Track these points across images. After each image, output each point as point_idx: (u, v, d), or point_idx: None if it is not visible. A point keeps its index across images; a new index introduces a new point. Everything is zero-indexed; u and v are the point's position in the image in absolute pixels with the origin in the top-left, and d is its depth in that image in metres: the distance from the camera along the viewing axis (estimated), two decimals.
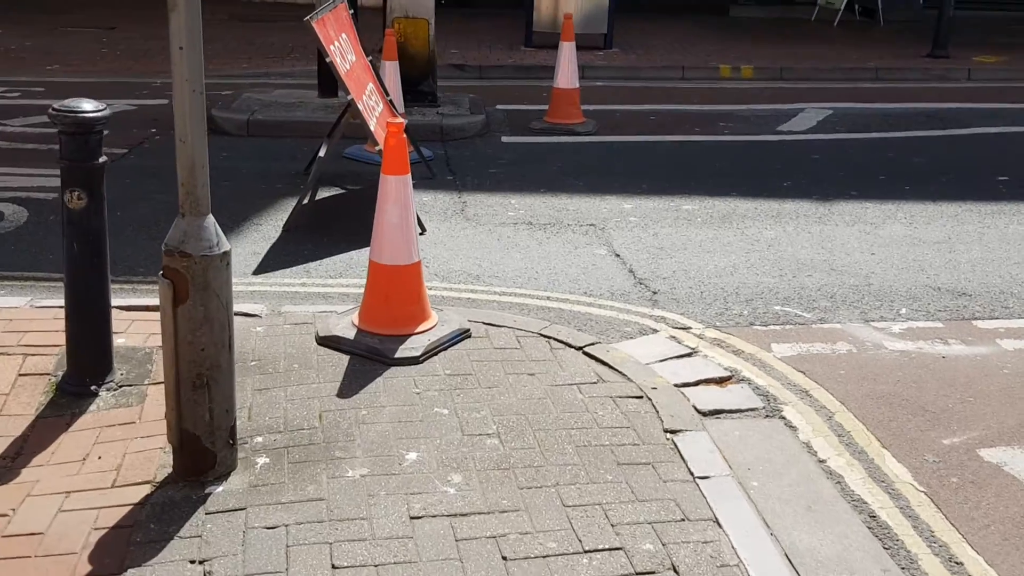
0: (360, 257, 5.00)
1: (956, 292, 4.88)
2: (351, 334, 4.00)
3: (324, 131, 6.43)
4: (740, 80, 10.94)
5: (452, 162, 7.20)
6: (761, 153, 7.61)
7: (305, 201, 5.64)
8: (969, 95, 10.18)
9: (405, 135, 4.12)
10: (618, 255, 5.31)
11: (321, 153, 5.80)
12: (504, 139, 7.92)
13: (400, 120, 4.20)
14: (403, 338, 3.98)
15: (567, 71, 8.16)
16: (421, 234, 5.15)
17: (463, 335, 4.10)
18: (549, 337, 4.12)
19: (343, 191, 6.32)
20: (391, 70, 7.32)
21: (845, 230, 5.77)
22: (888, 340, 4.31)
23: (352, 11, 6.69)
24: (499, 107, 9.01)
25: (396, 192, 4.01)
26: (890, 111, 9.22)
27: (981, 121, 8.76)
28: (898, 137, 8.18)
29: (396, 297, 4.05)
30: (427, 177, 6.55)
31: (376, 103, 5.93)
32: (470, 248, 5.39)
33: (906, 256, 5.36)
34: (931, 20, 14.86)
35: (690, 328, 4.40)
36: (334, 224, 5.67)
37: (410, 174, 4.09)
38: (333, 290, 4.74)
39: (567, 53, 8.17)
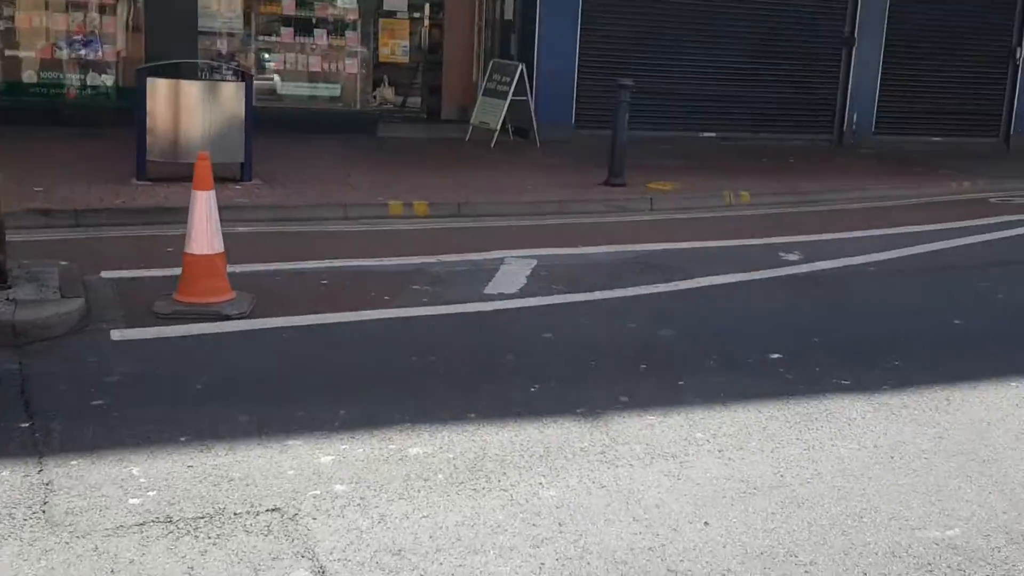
0: None
1: None
2: None
3: None
4: (415, 219, 9.19)
5: (29, 389, 4.59)
6: (480, 335, 5.78)
7: None
8: (663, 232, 9.20)
9: None
10: None
11: None
12: (116, 335, 5.39)
13: None
14: None
15: (206, 231, 5.82)
16: None
17: None
18: None
19: None
20: None
21: (645, 477, 4.02)
22: None
23: None
24: (105, 275, 6.46)
25: None
26: (599, 259, 7.88)
27: (698, 268, 7.64)
28: (625, 298, 6.77)
29: None
30: None
31: None
32: None
33: (748, 523, 3.69)
34: (581, 140, 14.42)
35: None
36: None
37: None
38: None
39: (203, 207, 5.84)
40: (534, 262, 7.60)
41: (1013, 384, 5.26)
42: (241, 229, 8.20)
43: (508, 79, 13.73)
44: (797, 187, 11.81)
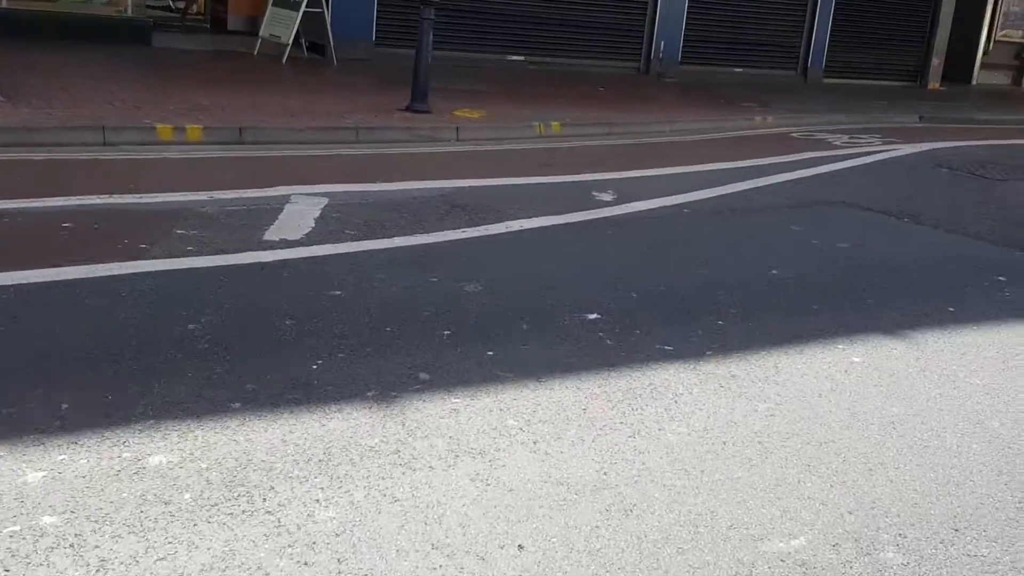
0: None
1: None
2: None
3: None
4: (187, 145, 8.02)
5: None
6: (255, 294, 4.86)
7: None
8: (471, 165, 8.47)
9: None
10: None
11: None
12: None
13: None
14: None
15: None
16: None
17: None
18: None
19: None
20: None
21: (449, 483, 3.33)
22: None
23: None
24: None
25: None
26: (399, 197, 7.06)
27: (509, 209, 6.96)
28: (428, 245, 6.01)
29: None
30: None
31: None
32: None
33: None
34: (382, 59, 13.40)
35: None
36: None
37: None
38: None
39: None
40: (324, 201, 6.70)
41: (840, 347, 4.91)
42: None
43: None
44: (607, 117, 11.34)
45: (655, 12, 15.52)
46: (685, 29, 15.79)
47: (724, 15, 16.21)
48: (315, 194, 6.84)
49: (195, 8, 15.04)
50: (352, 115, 9.49)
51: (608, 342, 4.73)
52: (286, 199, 6.64)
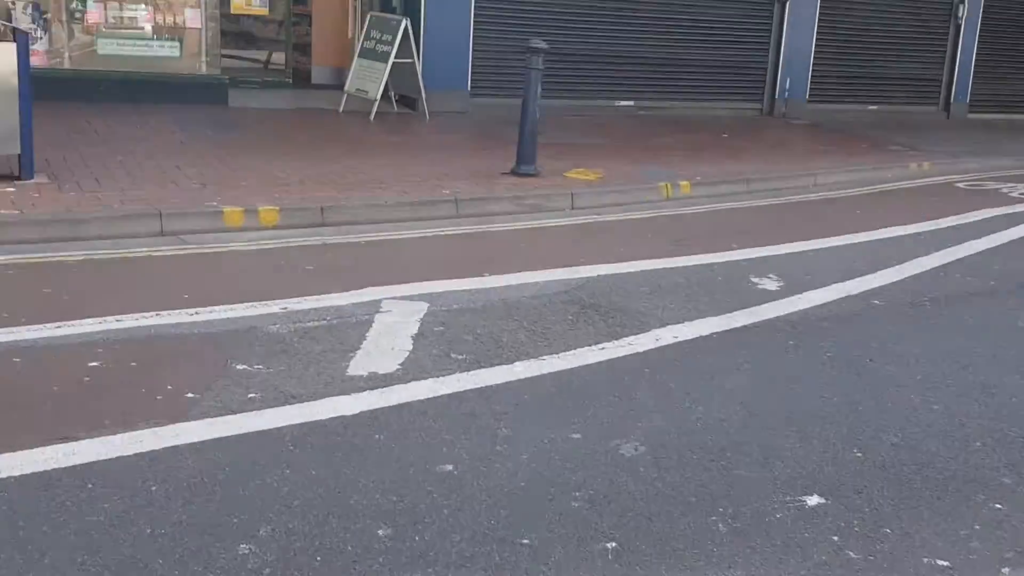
0: None
1: None
2: None
3: None
4: (260, 232, 6.75)
5: None
6: (336, 482, 3.39)
7: None
8: (594, 243, 7.00)
9: None
10: None
11: None
12: None
13: None
14: None
15: None
16: None
17: None
18: None
19: None
20: None
21: None
22: None
23: None
24: None
25: None
26: (513, 295, 5.62)
27: (652, 309, 5.49)
28: (559, 374, 4.56)
29: None
30: None
31: None
32: None
33: None
34: (478, 111, 12.12)
35: None
36: None
37: None
38: None
39: None
40: (423, 307, 5.32)
41: None
42: (1, 259, 5.68)
43: (390, 37, 11.27)
44: (739, 171, 9.79)
45: (779, 47, 13.93)
46: (812, 64, 14.15)
47: (856, 48, 14.52)
48: (412, 297, 5.47)
49: (272, 56, 14.04)
50: (451, 183, 8.16)
51: (851, 554, 3.19)
52: (376, 306, 5.28)
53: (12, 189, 6.73)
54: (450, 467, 3.59)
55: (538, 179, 8.55)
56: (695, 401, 4.33)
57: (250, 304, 5.18)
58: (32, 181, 6.93)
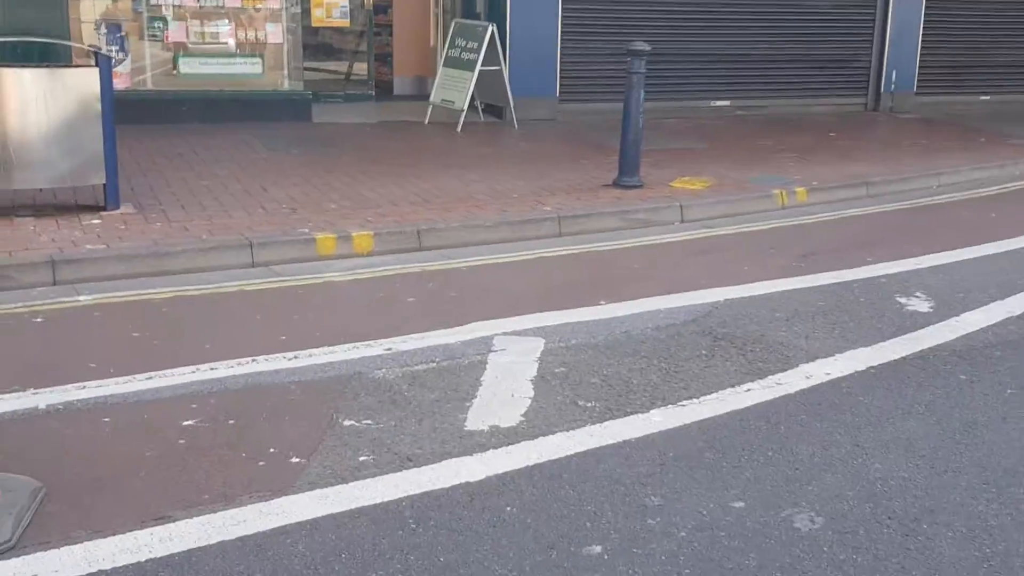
0: None
1: None
2: None
3: None
4: (354, 259, 6.33)
5: None
6: (472, 570, 3.03)
7: None
8: (712, 263, 6.41)
9: None
10: None
11: None
12: None
13: None
14: None
15: None
16: None
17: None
18: None
19: None
20: None
21: None
22: None
23: None
24: None
25: None
26: (636, 326, 5.07)
27: (793, 338, 4.91)
28: (705, 424, 4.02)
29: None
30: None
31: None
32: None
33: None
34: (568, 117, 11.61)
35: None
36: None
37: None
38: None
39: None
40: (539, 344, 4.81)
41: None
42: (83, 300, 5.34)
43: (475, 44, 10.81)
44: (856, 174, 9.08)
45: (883, 38, 13.09)
46: (920, 54, 13.29)
47: (968, 35, 13.62)
48: (525, 332, 4.97)
49: (352, 67, 13.72)
50: (550, 198, 7.65)
51: None
52: (488, 344, 4.79)
53: (98, 221, 6.42)
54: (598, 549, 3.07)
55: (643, 191, 7.99)
56: (868, 455, 3.74)
57: (352, 345, 4.73)
58: (118, 211, 6.62)
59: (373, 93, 12.81)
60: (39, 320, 5.01)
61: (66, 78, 6.45)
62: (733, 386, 4.35)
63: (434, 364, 4.54)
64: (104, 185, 6.61)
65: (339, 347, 4.71)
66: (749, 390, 4.32)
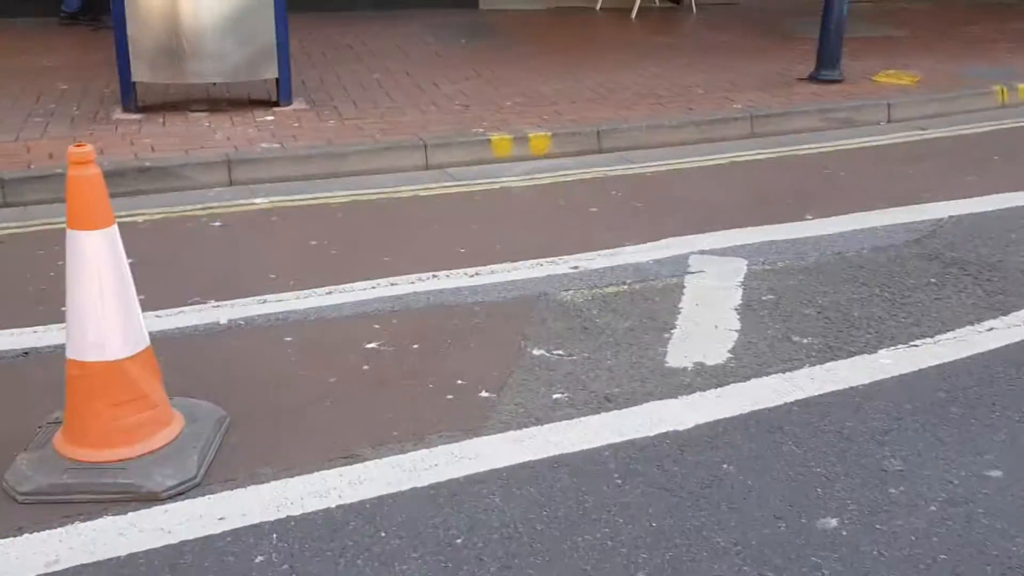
0: None
1: None
2: None
3: None
4: (531, 162, 5.95)
5: None
6: (692, 542, 2.63)
7: None
8: (932, 171, 5.72)
9: None
10: None
11: None
12: None
13: None
14: None
15: (101, 314, 2.68)
16: None
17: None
18: None
19: None
20: None
21: None
22: None
23: None
24: None
25: None
26: (851, 246, 4.50)
27: None
28: (945, 369, 3.51)
29: None
30: None
31: None
32: None
33: None
34: (752, 1, 10.74)
35: None
36: None
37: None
38: None
39: (91, 267, 2.64)
40: (740, 266, 4.36)
41: None
42: (259, 202, 5.19)
43: None
44: None
45: None
46: None
47: None
48: (723, 251, 4.51)
49: None
50: (739, 94, 7.01)
51: None
52: (683, 264, 4.37)
53: (271, 117, 6.25)
54: (834, 523, 2.68)
55: (844, 86, 7.23)
56: None
57: (535, 262, 4.40)
58: (290, 107, 6.43)
59: None
60: (218, 224, 4.89)
61: None
62: (972, 323, 3.81)
63: (625, 286, 4.17)
64: (277, 80, 6.42)
65: (522, 263, 4.39)
66: (992, 328, 3.76)
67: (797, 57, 8.06)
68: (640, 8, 10.12)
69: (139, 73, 6.09)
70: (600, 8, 10.45)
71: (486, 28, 9.50)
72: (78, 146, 2.71)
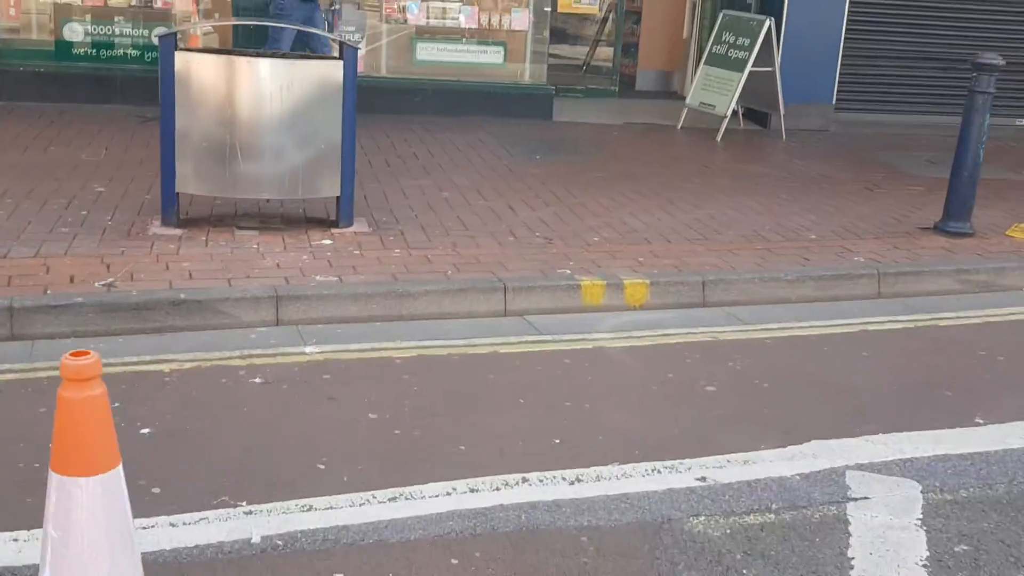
0: None
1: None
2: None
3: None
4: (625, 311, 5.13)
5: None
6: None
7: None
8: (991, 339, 4.86)
9: None
10: None
11: None
12: None
13: None
14: None
15: (83, 559, 1.99)
16: None
17: None
18: None
19: None
20: None
21: None
22: None
23: None
24: None
25: None
26: None
27: None
28: None
29: None
30: None
31: None
32: None
33: None
34: (843, 129, 9.99)
35: None
36: None
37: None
38: None
39: (82, 515, 1.90)
40: (915, 493, 3.43)
41: None
42: (310, 352, 4.35)
43: (747, 41, 9.34)
44: None
45: None
46: None
47: None
48: (888, 467, 3.59)
49: (591, 56, 12.51)
50: (858, 243, 6.16)
51: None
52: (839, 484, 3.45)
53: (329, 241, 5.46)
54: None
55: (975, 240, 6.36)
56: None
57: (651, 466, 3.50)
58: (351, 229, 5.65)
59: (616, 88, 11.54)
60: (258, 381, 4.05)
61: (305, 71, 5.52)
62: None
63: (772, 516, 3.25)
64: (338, 198, 5.67)
65: (632, 467, 3.49)
66: None
67: (912, 200, 7.24)
68: (725, 130, 9.40)
69: (184, 183, 5.36)
70: (681, 127, 9.74)
71: (561, 143, 8.77)
72: (75, 354, 1.88)
